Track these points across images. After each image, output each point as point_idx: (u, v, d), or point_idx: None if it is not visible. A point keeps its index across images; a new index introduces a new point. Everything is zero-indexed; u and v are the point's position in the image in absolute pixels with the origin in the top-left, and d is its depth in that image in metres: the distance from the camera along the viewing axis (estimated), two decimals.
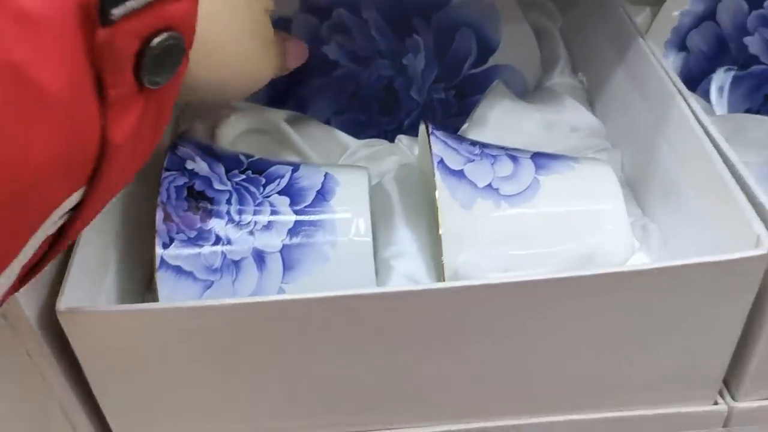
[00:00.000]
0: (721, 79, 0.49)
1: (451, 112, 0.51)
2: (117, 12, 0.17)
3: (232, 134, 0.42)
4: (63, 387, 0.29)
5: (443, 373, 0.30)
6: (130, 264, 0.33)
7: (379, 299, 0.27)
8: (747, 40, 0.49)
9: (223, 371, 0.29)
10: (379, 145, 0.44)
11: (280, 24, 0.52)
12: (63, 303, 0.26)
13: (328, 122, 0.50)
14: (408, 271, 0.35)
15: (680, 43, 0.49)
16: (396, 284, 0.34)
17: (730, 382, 0.33)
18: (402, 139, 0.43)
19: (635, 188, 0.40)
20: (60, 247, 0.21)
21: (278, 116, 0.43)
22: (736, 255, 0.27)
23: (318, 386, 0.30)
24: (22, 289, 0.25)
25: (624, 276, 0.28)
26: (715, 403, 0.33)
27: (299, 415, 0.31)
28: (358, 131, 0.51)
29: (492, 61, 0.51)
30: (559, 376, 0.31)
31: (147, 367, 0.29)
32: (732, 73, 0.49)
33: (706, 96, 0.49)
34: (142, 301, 0.33)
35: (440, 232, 0.31)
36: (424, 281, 0.35)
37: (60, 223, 0.20)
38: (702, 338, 0.30)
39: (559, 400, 0.32)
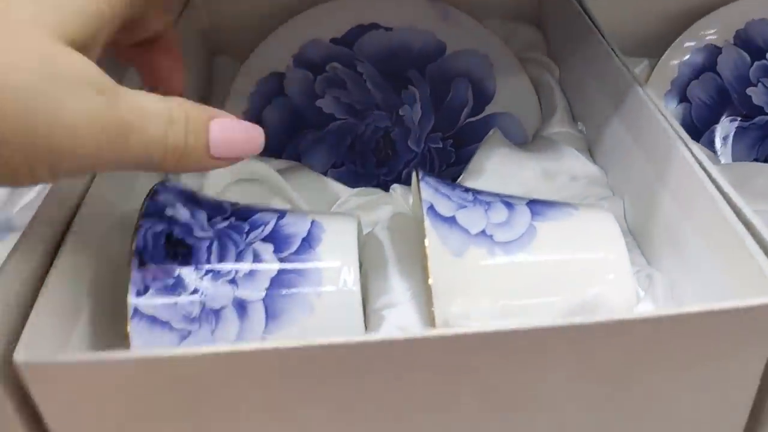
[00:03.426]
0: (725, 129, 0.48)
1: (450, 161, 0.50)
2: None
3: (221, 185, 0.40)
4: None
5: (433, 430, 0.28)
6: (107, 315, 0.31)
7: (363, 348, 0.25)
8: (750, 90, 0.48)
9: (201, 427, 0.27)
10: (373, 194, 0.43)
11: (274, 80, 0.52)
12: (21, 354, 0.24)
13: (324, 175, 0.49)
14: (400, 322, 0.33)
15: (681, 94, 0.49)
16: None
17: None
18: (396, 189, 0.42)
19: (638, 238, 0.39)
20: None
21: (268, 166, 0.42)
22: (751, 302, 0.25)
23: None
24: None
25: (628, 324, 0.26)
26: None
27: None
28: (355, 183, 0.49)
29: (489, 109, 0.50)
30: None
31: (118, 423, 0.27)
32: (736, 123, 0.48)
33: (709, 147, 0.48)
34: None
35: (429, 281, 0.30)
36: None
37: None
38: (714, 395, 0.28)
39: None
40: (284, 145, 0.51)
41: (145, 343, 0.28)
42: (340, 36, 0.51)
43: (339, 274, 0.30)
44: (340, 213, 0.37)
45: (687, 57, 0.48)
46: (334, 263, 0.31)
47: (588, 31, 0.45)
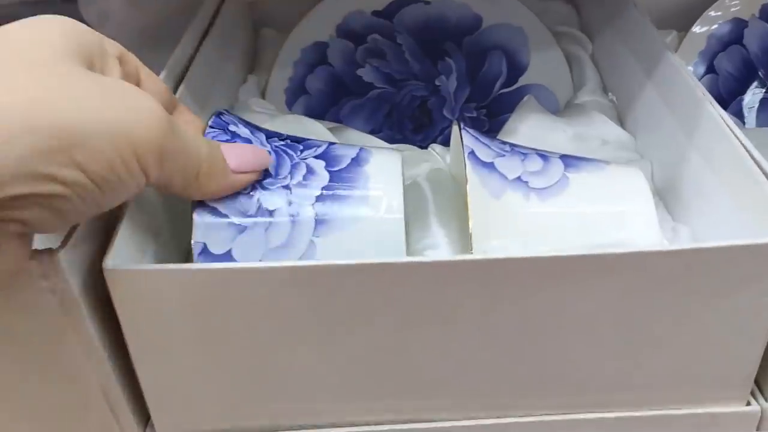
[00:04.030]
0: (751, 100, 0.50)
1: (483, 130, 0.53)
2: None
3: None
4: (104, 365, 0.29)
5: (468, 357, 0.30)
6: (176, 233, 0.34)
7: (411, 268, 0.28)
8: None
9: (250, 335, 0.29)
10: (412, 150, 0.45)
11: (317, 49, 0.55)
12: (110, 261, 0.27)
13: None
14: None
15: (708, 66, 0.50)
16: None
17: (763, 383, 0.32)
18: (435, 147, 0.45)
19: (665, 198, 0.41)
20: None
21: (317, 122, 0.44)
22: (761, 240, 0.27)
23: (355, 364, 0.31)
24: (66, 252, 0.27)
25: (652, 256, 0.28)
26: (748, 404, 0.32)
27: (341, 395, 0.32)
28: None
29: (522, 81, 0.52)
30: (583, 368, 0.31)
31: (188, 334, 0.29)
32: (761, 94, 0.49)
33: (737, 116, 0.50)
34: None
35: (470, 219, 0.32)
36: None
37: None
38: (731, 330, 0.30)
39: (583, 396, 0.32)
40: (326, 111, 0.54)
41: (206, 234, 0.30)
42: (381, 8, 0.53)
43: (385, 188, 0.32)
44: (384, 148, 0.37)
45: (714, 29, 0.50)
46: (381, 177, 0.33)
47: (622, 4, 0.47)
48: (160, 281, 0.27)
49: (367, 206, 0.32)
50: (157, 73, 0.40)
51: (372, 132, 0.53)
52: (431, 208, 0.38)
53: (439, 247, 0.36)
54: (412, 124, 0.53)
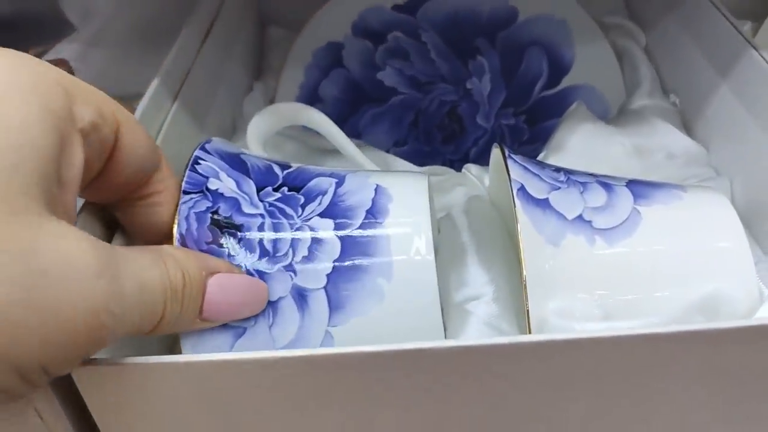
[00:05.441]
0: None
1: (522, 139, 0.46)
2: None
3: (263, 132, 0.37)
4: None
5: None
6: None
7: (449, 354, 0.22)
8: None
9: None
10: (443, 173, 0.39)
11: (331, 50, 0.49)
12: None
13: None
14: (487, 317, 0.29)
15: None
16: (475, 333, 0.29)
17: None
18: (470, 168, 0.38)
19: (750, 224, 0.34)
20: None
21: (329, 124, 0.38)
22: None
23: None
24: None
25: (762, 331, 0.22)
26: None
27: None
28: (420, 163, 0.46)
29: (566, 81, 0.46)
30: None
31: (161, 424, 0.24)
32: None
33: None
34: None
35: (523, 273, 0.26)
36: (507, 330, 0.29)
37: None
38: None
39: None
40: (343, 121, 0.48)
41: (195, 344, 0.25)
42: (402, 2, 0.47)
43: (412, 255, 0.26)
44: (407, 173, 0.31)
45: None
46: (406, 240, 0.26)
47: None
48: (133, 374, 0.21)
49: (391, 281, 0.25)
50: (148, 82, 0.36)
51: (396, 144, 0.47)
52: (471, 248, 0.32)
53: (483, 298, 0.30)
54: (441, 134, 0.47)
